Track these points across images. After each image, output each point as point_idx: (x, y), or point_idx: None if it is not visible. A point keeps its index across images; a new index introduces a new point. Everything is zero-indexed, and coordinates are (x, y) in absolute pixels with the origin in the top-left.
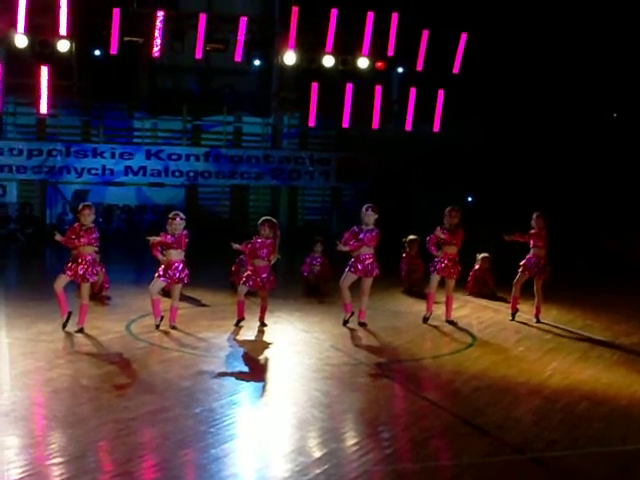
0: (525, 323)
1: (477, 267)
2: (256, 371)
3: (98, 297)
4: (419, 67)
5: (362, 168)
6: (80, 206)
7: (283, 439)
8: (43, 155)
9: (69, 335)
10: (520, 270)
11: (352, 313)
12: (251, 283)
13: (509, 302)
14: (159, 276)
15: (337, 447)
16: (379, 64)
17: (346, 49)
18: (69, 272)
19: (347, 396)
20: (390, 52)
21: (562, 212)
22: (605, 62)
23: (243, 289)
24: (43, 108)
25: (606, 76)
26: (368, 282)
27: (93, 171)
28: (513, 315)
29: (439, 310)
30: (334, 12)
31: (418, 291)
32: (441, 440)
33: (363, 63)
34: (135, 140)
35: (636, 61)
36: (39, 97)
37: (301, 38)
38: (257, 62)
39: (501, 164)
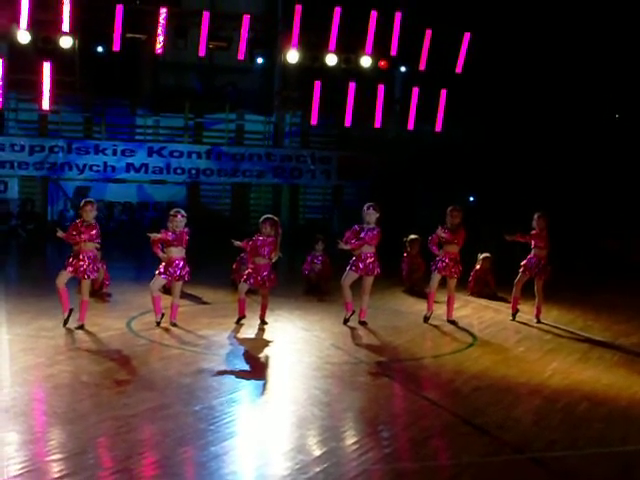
0: (525, 323)
1: (478, 267)
2: (256, 369)
3: (99, 294)
4: (422, 66)
5: (363, 167)
6: (82, 202)
7: (283, 437)
8: (45, 151)
9: (69, 331)
10: (521, 270)
11: (353, 312)
12: (252, 281)
13: (510, 302)
14: (160, 273)
15: (337, 446)
16: (382, 63)
17: (349, 48)
18: (70, 267)
19: (347, 395)
20: (393, 51)
21: (563, 212)
22: (607, 63)
23: (244, 287)
24: (45, 104)
25: (608, 77)
26: (369, 281)
27: (95, 168)
28: (514, 315)
29: (440, 310)
30: (337, 11)
31: (419, 290)
32: (441, 439)
33: (366, 62)
34: (137, 137)
35: (638, 61)
36: (41, 93)
37: (304, 37)
38: (260, 60)
39: (503, 164)
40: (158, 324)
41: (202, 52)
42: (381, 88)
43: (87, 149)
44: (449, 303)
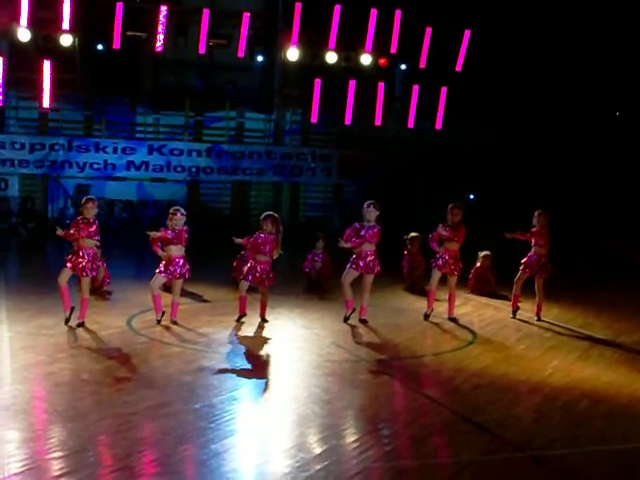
0: (526, 321)
1: (479, 265)
2: (257, 367)
3: (99, 292)
4: (422, 64)
5: (364, 165)
6: (83, 199)
7: (283, 435)
8: (45, 149)
9: (70, 329)
10: (521, 268)
11: (353, 310)
12: (250, 277)
13: (510, 300)
14: (160, 272)
15: (337, 444)
16: (382, 61)
17: (349, 46)
18: (69, 264)
19: (347, 393)
20: (393, 49)
21: (563, 211)
22: (608, 61)
23: (245, 285)
24: (46, 102)
25: (609, 75)
26: (369, 279)
27: (95, 166)
28: (514, 313)
29: (440, 307)
30: (337, 8)
31: (419, 288)
32: (441, 437)
33: (366, 60)
34: (137, 135)
35: (638, 59)
36: (42, 91)
37: (304, 34)
38: (260, 58)
39: (503, 162)
40: (159, 322)
41: (202, 50)
42: (381, 86)
43: (87, 147)
44: (450, 301)
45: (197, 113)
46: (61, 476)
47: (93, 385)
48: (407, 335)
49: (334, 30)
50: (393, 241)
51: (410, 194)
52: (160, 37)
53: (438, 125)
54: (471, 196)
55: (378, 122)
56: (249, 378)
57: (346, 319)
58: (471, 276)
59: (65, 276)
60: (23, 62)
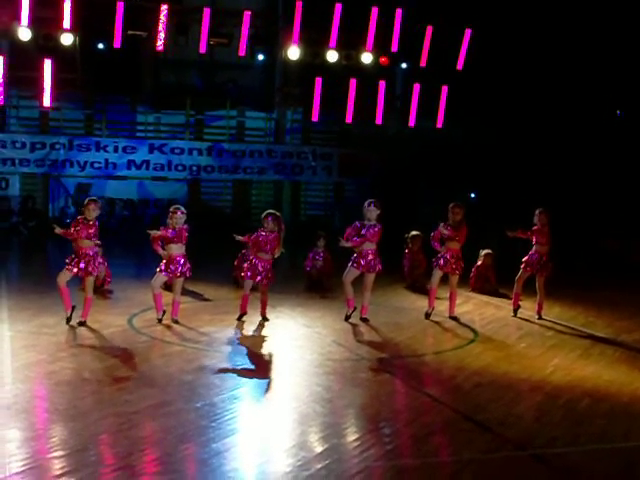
0: (527, 320)
1: (479, 263)
2: (258, 366)
3: (100, 291)
4: (423, 63)
5: (364, 164)
6: (86, 200)
7: (284, 434)
8: (46, 148)
9: (71, 328)
10: (522, 267)
11: (354, 308)
12: (249, 275)
13: (511, 298)
14: (161, 271)
15: (338, 442)
16: (383, 60)
17: (350, 44)
18: (72, 268)
19: (349, 391)
20: (394, 48)
21: (564, 210)
22: (609, 60)
23: (249, 284)
24: (46, 101)
25: (610, 74)
26: (371, 278)
27: (96, 165)
28: (515, 311)
29: (441, 306)
30: (338, 7)
31: (420, 287)
32: (442, 436)
33: (367, 59)
34: (138, 134)
35: (639, 58)
36: (42, 90)
37: (305, 33)
38: (261, 57)
39: (504, 160)
40: (160, 321)
41: (203, 49)
42: (382, 85)
43: (88, 146)
44: (451, 299)
45: (198, 112)
46: (62, 475)
47: (94, 384)
48: (408, 334)
49: (335, 29)
50: (394, 240)
51: (411, 193)
52: (161, 36)
53: (439, 124)
54: (472, 195)
55: (379, 121)
56: (250, 377)
57: (347, 318)
58: (472, 274)
59: (64, 277)
60: (24, 61)
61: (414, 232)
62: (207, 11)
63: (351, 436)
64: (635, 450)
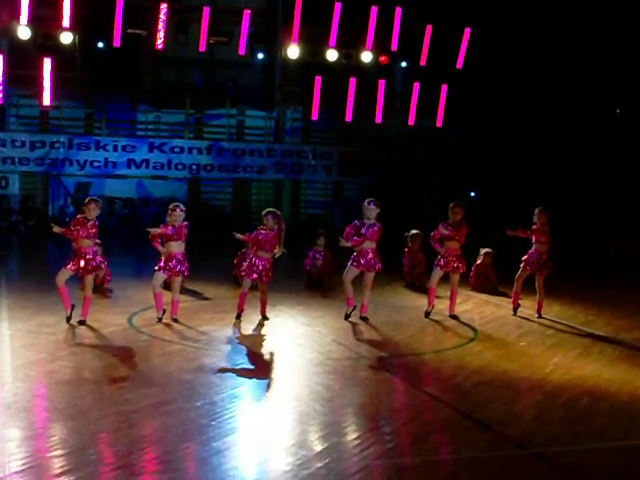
0: (527, 318)
1: (479, 262)
2: (258, 365)
3: (100, 290)
4: (422, 62)
5: (364, 162)
6: (87, 200)
7: (284, 433)
8: (46, 147)
9: (71, 327)
10: (522, 265)
11: (354, 307)
12: (249, 273)
13: (511, 297)
14: (159, 269)
15: (338, 441)
16: (382, 58)
17: (349, 43)
18: (72, 267)
19: (348, 390)
20: (394, 46)
21: (565, 208)
22: (608, 58)
23: (248, 283)
24: (46, 100)
25: (609, 72)
26: (370, 277)
27: (96, 164)
28: (515, 310)
29: (441, 305)
30: (338, 6)
31: (420, 286)
32: (442, 435)
33: (366, 57)
34: (138, 133)
35: (639, 56)
36: (42, 89)
37: (304, 32)
38: (260, 55)
39: (504, 159)
40: (159, 320)
41: (203, 47)
42: (382, 83)
43: (88, 145)
44: (452, 298)
45: (198, 111)
46: (62, 474)
47: (94, 383)
48: (408, 332)
49: (334, 27)
50: (394, 239)
51: (411, 192)
52: (160, 35)
53: (438, 123)
54: (472, 194)
55: (379, 120)
56: (250, 376)
57: (347, 316)
58: (472, 273)
59: (63, 276)
60: (23, 60)
61: (414, 231)
62: (207, 10)
63: (351, 435)
64: (635, 448)
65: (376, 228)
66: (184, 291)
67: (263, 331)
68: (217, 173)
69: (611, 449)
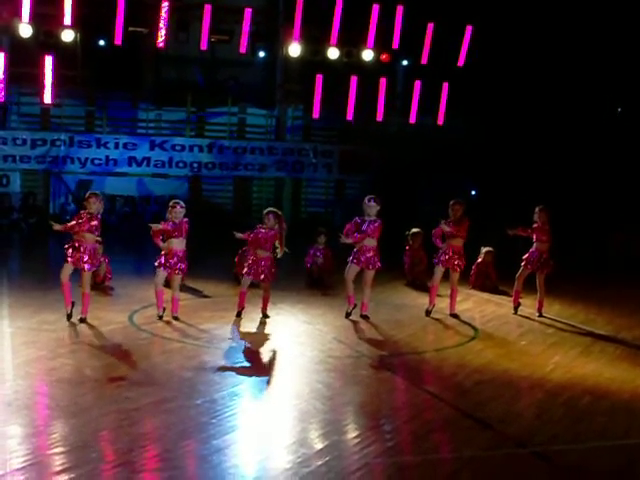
0: (527, 317)
1: (480, 260)
2: (258, 363)
3: (101, 287)
4: (424, 60)
5: (365, 161)
6: (87, 194)
7: (285, 431)
8: (47, 145)
9: (72, 325)
10: (523, 264)
11: (355, 305)
12: (252, 273)
13: (511, 296)
14: (160, 266)
15: (339, 439)
16: (384, 57)
17: (351, 41)
18: (70, 259)
19: (349, 389)
20: (395, 45)
21: (565, 207)
22: (609, 56)
23: (247, 281)
24: (47, 98)
25: (610, 70)
26: (370, 274)
27: (97, 161)
28: (515, 309)
29: (442, 303)
30: (339, 4)
31: (421, 284)
32: (442, 433)
33: (368, 55)
34: (139, 131)
35: None
36: (43, 87)
37: (306, 30)
38: (262, 54)
39: (505, 158)
40: (160, 318)
41: (204, 45)
42: (383, 82)
43: (89, 143)
44: (452, 297)
45: (199, 109)
46: (63, 471)
47: (95, 381)
48: (409, 331)
49: (336, 26)
50: (394, 237)
51: (411, 190)
52: (162, 33)
53: (439, 121)
54: (473, 192)
55: (380, 118)
56: (250, 374)
57: (348, 315)
58: (473, 272)
59: (67, 272)
60: (24, 58)
61: (415, 229)
62: (208, 8)
63: (351, 433)
64: (636, 447)
65: (377, 224)
66: (185, 289)
67: (264, 329)
68: (218, 171)
69: (612, 448)
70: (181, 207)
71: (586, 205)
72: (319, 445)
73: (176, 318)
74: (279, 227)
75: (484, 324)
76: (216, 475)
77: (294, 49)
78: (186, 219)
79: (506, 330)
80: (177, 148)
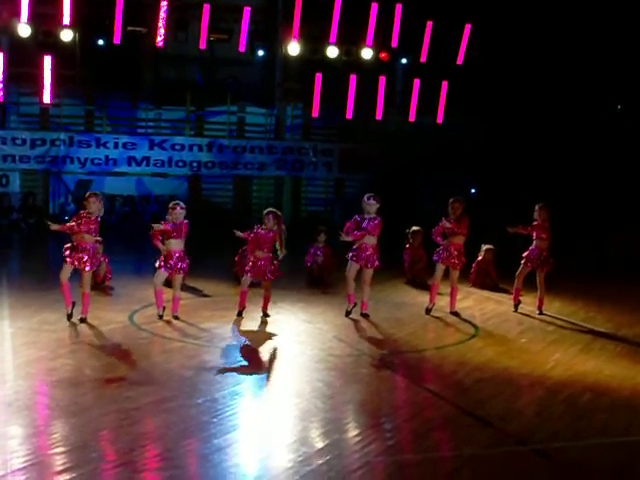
0: (528, 315)
1: (480, 258)
2: (258, 362)
3: (101, 287)
4: (423, 58)
5: (365, 159)
6: (87, 194)
7: (285, 430)
8: (46, 145)
9: (72, 325)
10: (523, 262)
11: (355, 304)
12: (253, 272)
13: (512, 294)
14: (160, 266)
15: (339, 438)
16: (383, 55)
17: (350, 40)
18: (69, 259)
19: (349, 387)
20: (394, 43)
21: (565, 205)
22: (609, 53)
23: (247, 280)
24: (46, 98)
25: (610, 68)
26: (368, 273)
27: (96, 161)
28: (516, 307)
29: (442, 301)
30: (338, 2)
31: (421, 282)
32: (443, 431)
33: (367, 54)
34: (139, 130)
35: None
36: (42, 87)
37: (305, 29)
38: (261, 52)
39: (505, 155)
40: (160, 317)
41: (203, 44)
42: (382, 80)
43: (88, 142)
44: (452, 295)
45: (198, 108)
46: (64, 471)
47: (95, 381)
48: (409, 329)
49: (335, 24)
50: (394, 235)
51: (411, 188)
52: (161, 32)
53: (439, 119)
54: (472, 190)
55: (379, 116)
56: (251, 373)
57: (348, 313)
58: (473, 270)
59: (66, 272)
60: (24, 57)
61: (415, 227)
62: (207, 7)
63: (352, 432)
64: (637, 444)
65: (377, 222)
66: (185, 288)
67: (264, 328)
68: (218, 170)
69: (612, 445)
70: (181, 208)
71: (586, 204)
72: (320, 444)
73: (176, 317)
74: (278, 228)
75: (484, 322)
76: (217, 474)
77: (293, 48)
78: (186, 220)
79: (506, 328)
80: (177, 147)
